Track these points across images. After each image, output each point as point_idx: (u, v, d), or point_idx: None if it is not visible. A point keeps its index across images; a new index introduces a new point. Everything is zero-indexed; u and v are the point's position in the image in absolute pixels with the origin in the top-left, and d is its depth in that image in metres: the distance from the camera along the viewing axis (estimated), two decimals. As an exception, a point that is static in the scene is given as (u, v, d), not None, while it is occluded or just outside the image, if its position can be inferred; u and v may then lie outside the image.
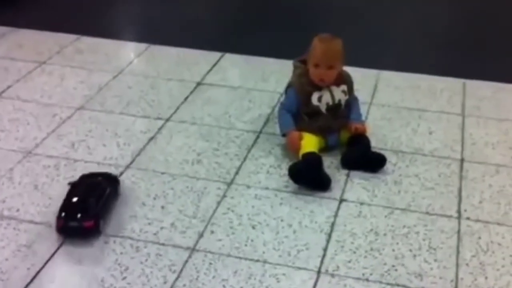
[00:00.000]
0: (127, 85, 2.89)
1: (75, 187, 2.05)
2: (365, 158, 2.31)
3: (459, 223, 2.05)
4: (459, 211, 2.11)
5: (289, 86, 2.49)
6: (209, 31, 3.49)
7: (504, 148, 2.45)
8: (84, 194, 2.00)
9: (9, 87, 2.84)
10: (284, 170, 2.28)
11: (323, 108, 2.37)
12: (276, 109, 2.58)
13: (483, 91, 2.86)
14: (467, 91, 2.86)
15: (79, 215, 1.93)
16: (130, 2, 3.88)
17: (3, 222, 2.03)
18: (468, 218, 2.08)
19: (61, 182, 2.21)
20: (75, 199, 1.98)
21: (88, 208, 1.95)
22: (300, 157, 2.25)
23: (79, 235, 1.94)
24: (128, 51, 3.25)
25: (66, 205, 1.97)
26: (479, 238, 2.00)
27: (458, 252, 1.94)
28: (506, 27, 3.54)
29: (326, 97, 2.37)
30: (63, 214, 1.94)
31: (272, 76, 2.96)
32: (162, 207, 2.11)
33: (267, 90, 2.85)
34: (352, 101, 2.45)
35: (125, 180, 2.23)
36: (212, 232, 2.01)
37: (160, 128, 2.55)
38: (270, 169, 2.31)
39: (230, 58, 3.14)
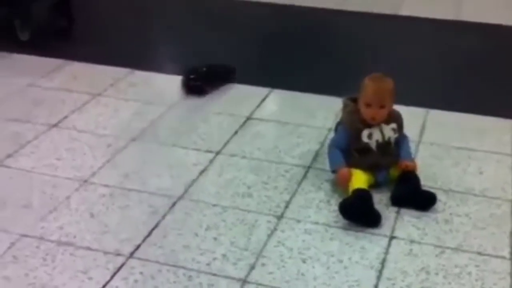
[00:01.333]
0: (179, 118, 2.96)
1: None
2: (415, 196, 2.32)
3: (512, 265, 2.04)
4: (511, 252, 2.09)
5: (339, 123, 2.53)
6: (257, 68, 3.55)
7: (556, 190, 2.43)
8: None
9: (65, 117, 2.94)
10: (334, 206, 2.30)
11: (373, 145, 2.39)
12: (326, 145, 2.61)
13: (534, 132, 2.85)
14: (517, 131, 2.86)
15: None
16: (181, 37, 3.98)
17: (60, 248, 2.08)
18: (521, 260, 2.06)
19: (115, 210, 2.27)
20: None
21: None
22: (350, 193, 2.27)
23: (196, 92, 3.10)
24: (179, 85, 3.33)
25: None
26: (533, 280, 1.98)
27: (511, 293, 1.92)
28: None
29: (376, 135, 2.39)
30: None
31: (320, 112, 3.00)
32: (214, 238, 2.14)
33: (315, 126, 2.88)
34: (401, 139, 2.47)
35: (178, 211, 2.28)
36: (263, 264, 2.03)
37: (211, 161, 2.60)
38: (320, 204, 2.33)
39: (278, 94, 3.20)
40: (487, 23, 4.16)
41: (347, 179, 2.32)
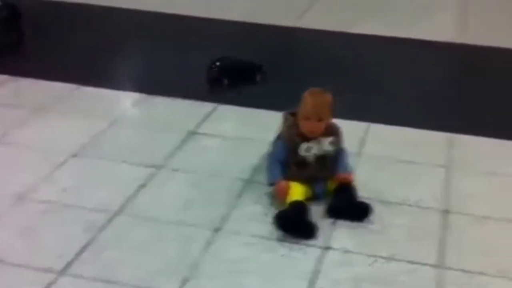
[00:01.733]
0: (121, 133, 2.96)
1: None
2: (350, 207, 2.36)
3: (442, 273, 2.08)
4: (441, 261, 2.14)
5: (278, 137, 2.56)
6: (203, 83, 3.57)
7: (487, 199, 2.50)
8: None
9: (4, 134, 2.91)
10: (271, 218, 2.32)
11: (310, 158, 2.43)
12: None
13: (468, 145, 2.92)
14: (452, 144, 2.92)
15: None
16: (128, 53, 3.98)
17: (-9, 265, 2.06)
18: (450, 268, 2.11)
19: (51, 226, 2.26)
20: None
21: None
22: (287, 205, 2.30)
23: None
24: (125, 101, 3.33)
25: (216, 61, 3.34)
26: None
27: (439, 301, 1.97)
28: (492, 84, 3.62)
29: (314, 148, 2.43)
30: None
31: (263, 127, 3.01)
32: (150, 253, 2.14)
33: (258, 140, 2.90)
34: (339, 153, 2.51)
35: (114, 227, 2.27)
36: (197, 277, 2.04)
37: (151, 176, 2.60)
38: (257, 217, 2.35)
39: (223, 109, 3.22)
40: (435, 41, 4.26)
41: (285, 191, 2.35)
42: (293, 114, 2.50)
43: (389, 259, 2.15)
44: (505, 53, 4.08)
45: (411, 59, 3.98)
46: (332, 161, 2.48)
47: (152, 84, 3.52)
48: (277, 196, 2.39)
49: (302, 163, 2.43)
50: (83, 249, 2.15)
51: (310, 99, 2.42)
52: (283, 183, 2.38)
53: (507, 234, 2.30)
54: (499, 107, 3.33)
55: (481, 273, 2.09)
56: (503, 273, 2.10)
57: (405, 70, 3.82)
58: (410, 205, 2.45)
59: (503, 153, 2.86)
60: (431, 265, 2.12)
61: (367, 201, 2.41)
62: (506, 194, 2.54)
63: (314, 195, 2.43)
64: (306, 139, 2.43)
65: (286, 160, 2.44)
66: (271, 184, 2.44)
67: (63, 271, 2.04)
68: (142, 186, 2.53)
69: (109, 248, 2.15)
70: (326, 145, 2.45)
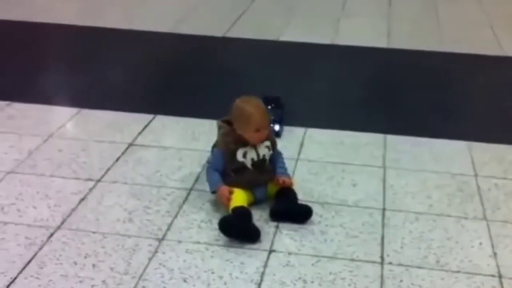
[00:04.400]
0: (57, 148, 2.91)
1: None
2: (292, 211, 2.40)
3: (382, 268, 2.15)
4: (382, 257, 2.21)
5: (214, 145, 2.58)
6: (139, 95, 3.57)
7: (422, 197, 2.60)
8: None
9: None
10: (215, 225, 2.33)
11: (248, 163, 2.46)
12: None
13: (402, 145, 3.02)
14: (387, 145, 3.02)
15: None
16: (60, 68, 3.92)
17: None
18: (390, 263, 2.18)
19: (-11, 245, 2.20)
20: None
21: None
22: (230, 211, 2.32)
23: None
24: (59, 116, 3.27)
25: None
26: (401, 281, 2.10)
27: (381, 295, 2.03)
28: (420, 86, 3.77)
29: (251, 153, 2.46)
30: None
31: (202, 135, 3.05)
32: (93, 265, 2.12)
33: (197, 149, 2.92)
34: (276, 156, 2.55)
35: (56, 241, 2.23)
36: (143, 287, 2.03)
37: (91, 189, 2.57)
38: (201, 224, 2.37)
39: (161, 120, 3.22)
40: (361, 46, 4.39)
41: (228, 195, 2.36)
42: (227, 122, 2.52)
43: (332, 258, 2.20)
44: (428, 56, 4.25)
45: (341, 64, 4.09)
46: (270, 165, 2.52)
47: (87, 98, 3.48)
48: (222, 201, 2.40)
49: (240, 169, 2.45)
50: (26, 265, 2.10)
51: (256, 112, 2.42)
52: (225, 188, 2.40)
53: (441, 228, 2.39)
54: (427, 107, 3.46)
55: (419, 267, 2.17)
56: (441, 266, 2.18)
57: (335, 74, 3.92)
58: (349, 206, 2.52)
59: (432, 151, 2.97)
60: (372, 262, 2.18)
61: (307, 203, 2.46)
62: (437, 190, 2.65)
63: (256, 200, 2.46)
64: (243, 144, 2.45)
65: (224, 168, 2.46)
66: (213, 191, 2.46)
67: (6, 289, 2.00)
68: (82, 199, 2.50)
69: (51, 263, 2.12)
70: (262, 149, 2.49)
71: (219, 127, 2.53)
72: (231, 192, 2.37)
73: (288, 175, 2.53)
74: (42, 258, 2.15)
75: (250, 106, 2.45)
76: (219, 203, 2.43)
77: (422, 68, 4.03)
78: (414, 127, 3.19)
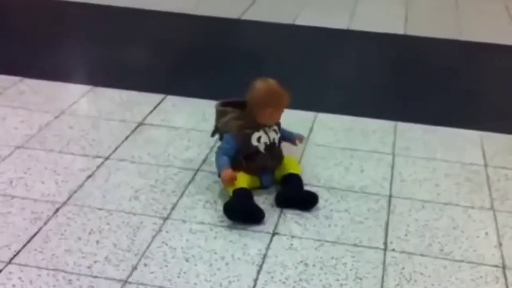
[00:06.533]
0: (68, 125, 2.93)
1: None
2: (298, 198, 2.39)
3: (385, 255, 2.15)
4: (385, 243, 2.20)
5: (216, 130, 2.55)
6: (151, 75, 3.57)
7: (430, 185, 2.58)
8: None
9: None
10: (220, 206, 2.34)
11: (261, 147, 2.45)
12: (215, 149, 2.65)
13: (412, 133, 3.00)
14: (398, 132, 3.00)
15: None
16: (74, 46, 3.94)
17: None
18: (393, 250, 2.17)
19: (-3, 217, 2.23)
20: None
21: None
22: (231, 193, 2.32)
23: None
24: (71, 93, 3.29)
25: None
26: (403, 268, 2.09)
27: (382, 281, 2.02)
28: (435, 74, 3.73)
29: (264, 137, 2.46)
30: None
31: (212, 117, 3.00)
32: (97, 242, 2.13)
33: (207, 130, 2.90)
34: (282, 133, 2.54)
35: (61, 216, 2.25)
36: (145, 265, 2.04)
37: (98, 166, 2.59)
38: (206, 205, 2.37)
39: (172, 100, 3.22)
40: (377, 32, 4.35)
41: (232, 176, 2.34)
42: (226, 105, 2.51)
43: (335, 243, 2.20)
44: (444, 43, 4.20)
45: (355, 50, 4.06)
46: (279, 149, 2.52)
47: (99, 75, 3.49)
48: (225, 182, 2.39)
49: (252, 154, 2.44)
50: (31, 239, 2.12)
51: (272, 90, 2.43)
52: (229, 170, 2.38)
53: (448, 216, 2.38)
54: (441, 95, 3.43)
55: (423, 255, 2.16)
56: (444, 254, 2.17)
57: (350, 60, 3.89)
58: (355, 191, 2.50)
59: (443, 140, 2.95)
60: (375, 248, 2.18)
61: (314, 189, 2.45)
62: (445, 179, 2.63)
63: (262, 186, 2.45)
64: (256, 129, 2.45)
65: (236, 154, 2.43)
66: (219, 175, 2.45)
67: (11, 261, 2.01)
68: (89, 176, 2.51)
69: (56, 238, 2.14)
70: (271, 133, 2.48)
71: (223, 112, 2.50)
72: (235, 175, 2.35)
73: (298, 134, 2.58)
74: (46, 233, 2.16)
75: (268, 86, 2.45)
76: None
77: (438, 56, 3.99)
78: (426, 115, 3.16)
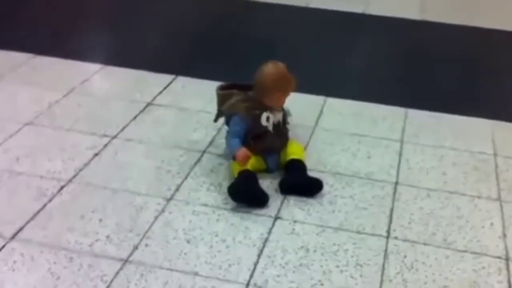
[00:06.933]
0: (77, 103, 2.94)
1: None
2: (302, 184, 2.37)
3: (387, 242, 2.13)
4: (388, 231, 2.19)
5: (219, 114, 2.55)
6: (162, 55, 3.56)
7: (437, 173, 2.55)
8: None
9: (-41, 101, 2.87)
10: (224, 189, 2.34)
11: (270, 127, 2.44)
12: (223, 130, 2.64)
13: (422, 120, 2.97)
14: (407, 119, 2.97)
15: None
16: (87, 25, 3.94)
17: None
18: (396, 238, 2.16)
19: (1, 194, 2.24)
20: None
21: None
22: (236, 175, 2.31)
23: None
24: (82, 71, 3.29)
25: None
26: (405, 256, 2.08)
27: (383, 269, 2.01)
28: (448, 61, 3.68)
29: (272, 117, 2.45)
30: None
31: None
32: (100, 220, 2.15)
33: (215, 112, 2.90)
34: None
35: (66, 194, 2.27)
36: (146, 245, 2.05)
37: (105, 145, 2.59)
38: (210, 187, 2.37)
39: (182, 81, 3.22)
40: (391, 17, 4.30)
41: (247, 155, 2.32)
42: (229, 87, 2.51)
43: (338, 229, 2.19)
44: (460, 30, 4.14)
45: (369, 35, 4.01)
46: (285, 128, 2.52)
47: (110, 55, 3.49)
48: (241, 161, 2.33)
49: (261, 134, 2.43)
50: (34, 215, 2.14)
51: (280, 74, 2.43)
52: (243, 149, 2.35)
53: (453, 206, 2.35)
54: (454, 83, 3.38)
55: (425, 244, 2.14)
56: (448, 244, 2.15)
57: (363, 45, 3.85)
58: (361, 178, 2.49)
59: (453, 128, 2.91)
60: (377, 235, 2.16)
61: (319, 174, 2.44)
62: (453, 167, 2.60)
63: (268, 169, 2.45)
64: (264, 109, 2.44)
65: (246, 135, 2.42)
66: (234, 156, 2.42)
67: (13, 237, 2.03)
68: (96, 155, 2.52)
69: (59, 216, 2.16)
70: (277, 113, 2.47)
71: (227, 95, 2.49)
72: (249, 154, 2.34)
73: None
74: (50, 210, 2.18)
75: (278, 70, 2.44)
76: (230, 167, 2.42)
77: (453, 43, 3.92)
78: (437, 103, 3.12)
